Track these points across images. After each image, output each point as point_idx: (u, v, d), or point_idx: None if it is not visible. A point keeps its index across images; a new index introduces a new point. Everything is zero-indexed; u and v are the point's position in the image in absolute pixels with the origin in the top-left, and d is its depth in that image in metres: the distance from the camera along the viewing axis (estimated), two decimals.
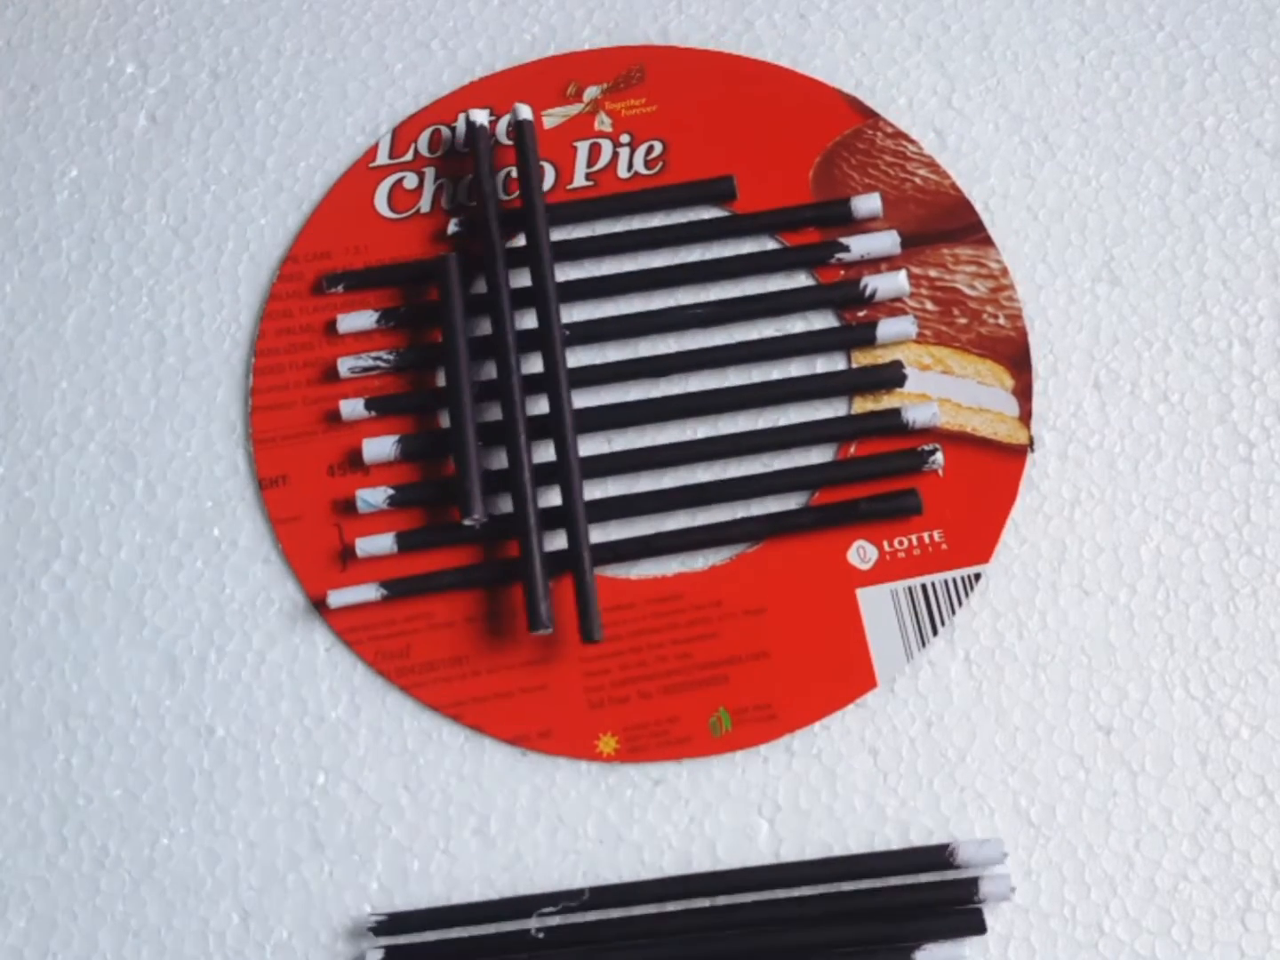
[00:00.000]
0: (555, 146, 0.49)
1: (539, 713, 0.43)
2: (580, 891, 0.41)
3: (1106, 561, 0.44)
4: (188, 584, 0.45)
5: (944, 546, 0.44)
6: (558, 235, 0.48)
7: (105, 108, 0.50)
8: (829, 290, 0.46)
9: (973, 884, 0.40)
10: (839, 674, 0.43)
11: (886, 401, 0.45)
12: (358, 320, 0.46)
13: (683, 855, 0.42)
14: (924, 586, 0.43)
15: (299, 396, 0.46)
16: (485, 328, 0.46)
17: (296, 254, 0.48)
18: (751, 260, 0.47)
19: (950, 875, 0.40)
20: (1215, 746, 0.42)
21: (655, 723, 0.42)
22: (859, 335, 0.46)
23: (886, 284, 0.46)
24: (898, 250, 0.46)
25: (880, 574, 0.44)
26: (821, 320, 0.46)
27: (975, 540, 0.44)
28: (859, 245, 0.46)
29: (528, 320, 0.46)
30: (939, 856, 0.40)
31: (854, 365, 0.46)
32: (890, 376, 0.45)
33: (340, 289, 0.47)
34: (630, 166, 0.48)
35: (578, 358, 0.46)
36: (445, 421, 0.46)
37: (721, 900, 0.41)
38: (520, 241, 0.47)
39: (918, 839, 0.41)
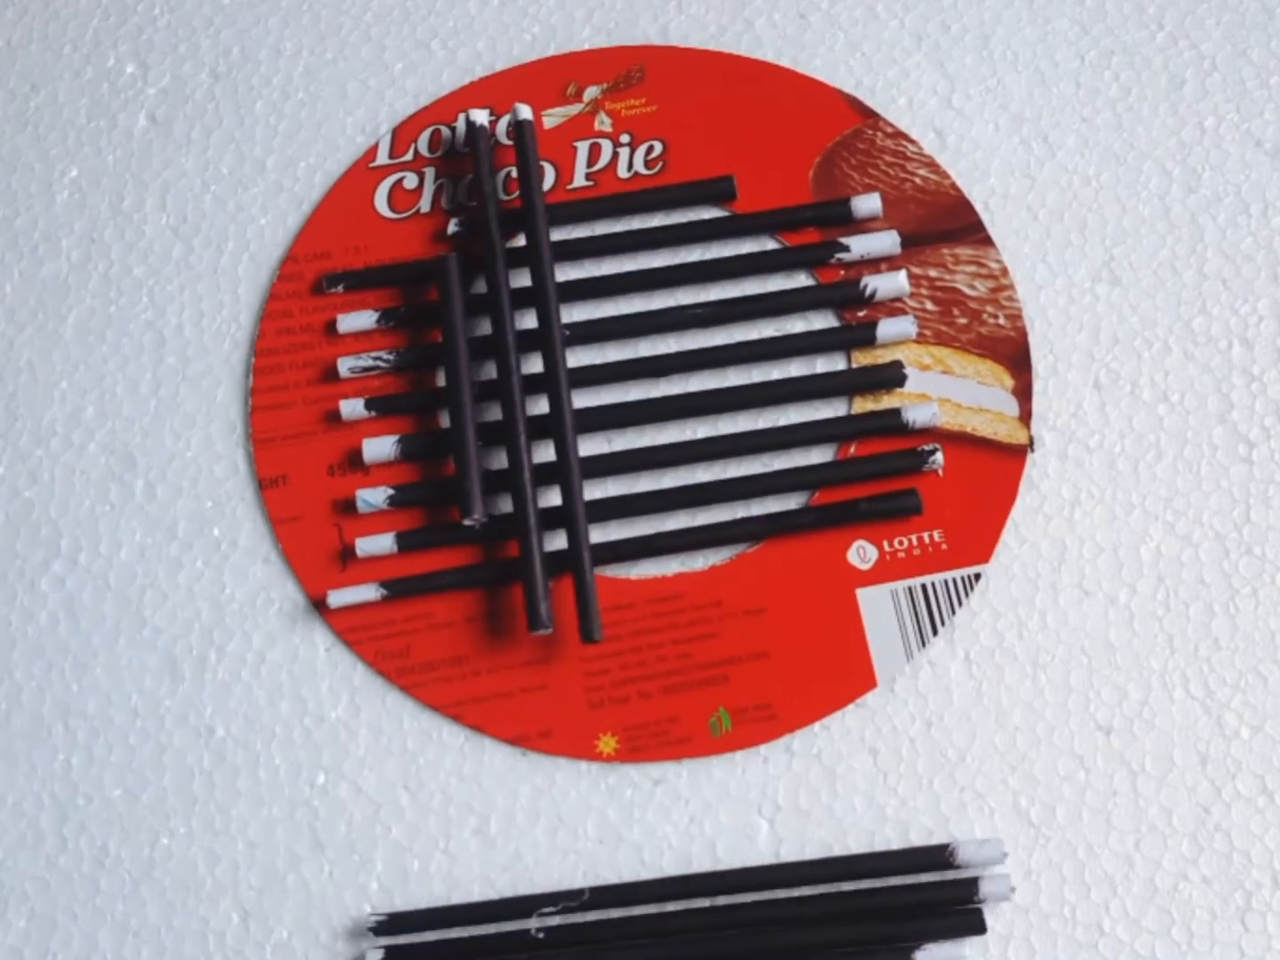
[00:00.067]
0: (555, 146, 0.49)
1: (539, 713, 0.43)
2: (580, 891, 0.41)
3: (1106, 561, 0.44)
4: (188, 584, 0.45)
5: (944, 546, 0.44)
6: (558, 235, 0.48)
7: (105, 108, 0.50)
8: (829, 290, 0.46)
9: (973, 884, 0.40)
10: (839, 674, 0.43)
11: (886, 401, 0.45)
12: (358, 320, 0.46)
13: (683, 855, 0.42)
14: (924, 586, 0.43)
15: (299, 396, 0.46)
16: (485, 328, 0.46)
17: (296, 254, 0.48)
18: (751, 260, 0.47)
19: (950, 875, 0.40)
20: (1215, 746, 0.42)
21: (655, 723, 0.42)
22: (859, 335, 0.46)
23: (886, 284, 0.46)
24: (898, 250, 0.46)
25: (880, 574, 0.44)
26: (821, 320, 0.46)
27: (975, 540, 0.44)
28: (859, 245, 0.46)
29: (528, 320, 0.46)
30: (939, 856, 0.40)
31: (854, 365, 0.46)
32: (890, 376, 0.45)
33: (340, 289, 0.47)
34: (630, 166, 0.48)
35: (578, 358, 0.46)
36: (445, 421, 0.46)
37: (721, 900, 0.41)
38: (520, 241, 0.47)
39: (918, 839, 0.41)
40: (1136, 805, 0.41)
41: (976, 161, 0.48)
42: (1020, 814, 0.41)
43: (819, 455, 0.45)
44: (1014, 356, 0.46)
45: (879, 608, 0.43)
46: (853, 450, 0.45)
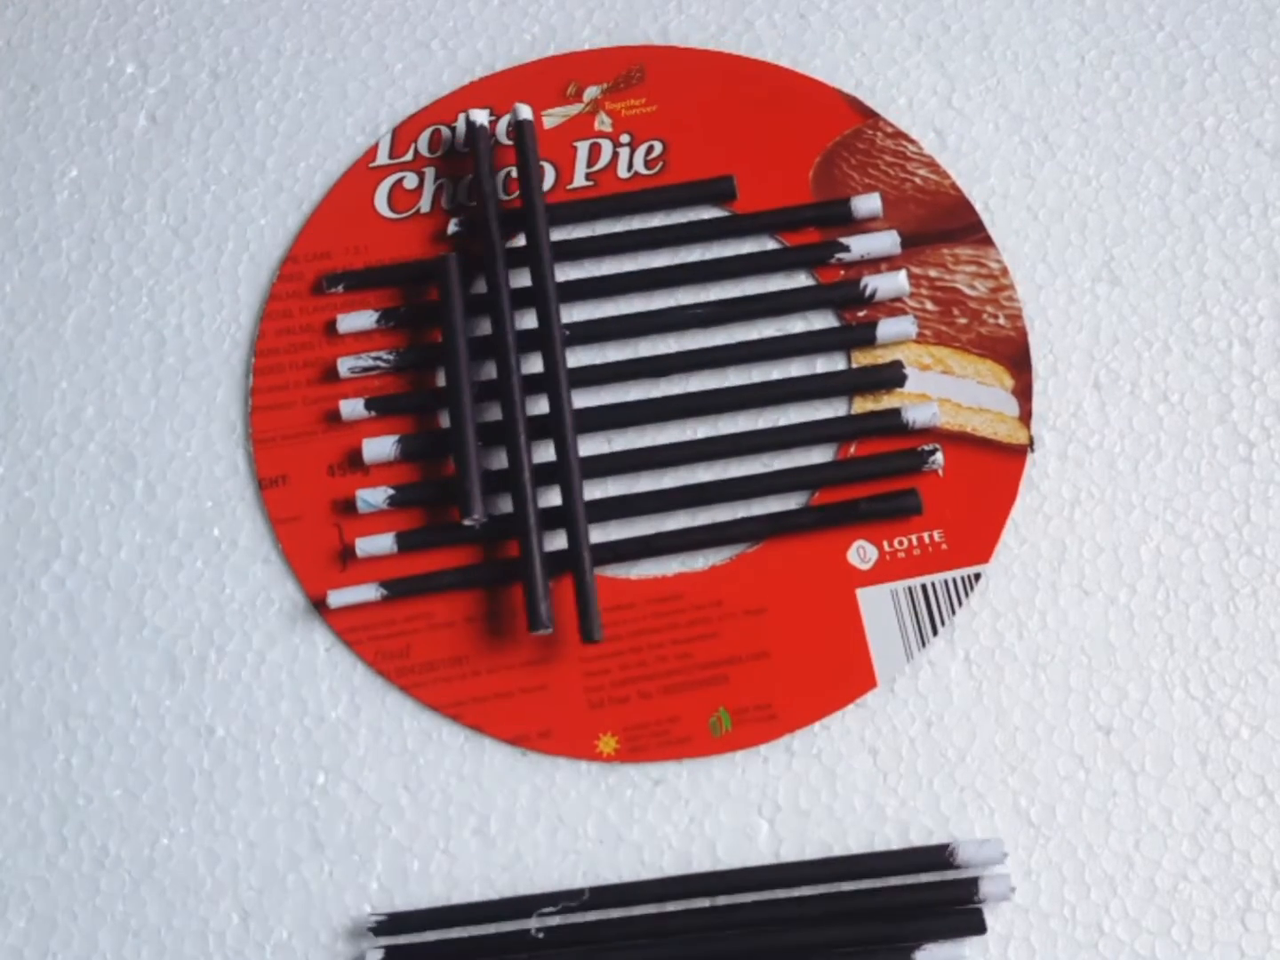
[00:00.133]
0: (555, 146, 0.49)
1: (539, 713, 0.43)
2: (580, 891, 0.41)
3: (1106, 561, 0.44)
4: (188, 584, 0.45)
5: (944, 546, 0.44)
6: (558, 235, 0.48)
7: (105, 108, 0.50)
8: (829, 290, 0.46)
9: (973, 884, 0.40)
10: (839, 674, 0.43)
11: (886, 401, 0.45)
12: (358, 320, 0.46)
13: (683, 855, 0.42)
14: (924, 586, 0.43)
15: (299, 396, 0.46)
16: (485, 328, 0.46)
17: (296, 254, 0.48)
18: (751, 260, 0.47)
19: (950, 875, 0.40)
20: (1215, 746, 0.42)
21: (655, 723, 0.42)
22: (859, 335, 0.46)
23: (886, 284, 0.46)
24: (898, 250, 0.46)
25: (880, 574, 0.44)
26: (821, 320, 0.46)
27: (975, 540, 0.44)
28: (859, 245, 0.46)
29: (528, 320, 0.46)
30: (939, 856, 0.40)
31: (854, 365, 0.46)
32: (890, 376, 0.45)
33: (340, 289, 0.47)
34: (630, 166, 0.48)
35: (578, 358, 0.46)
36: (445, 421, 0.46)
37: (721, 900, 0.41)
38: (520, 241, 0.47)
39: (917, 839, 0.41)
40: (1136, 805, 0.41)
41: (976, 161, 0.48)
42: (1020, 814, 0.41)
43: (819, 455, 0.45)
44: (1014, 356, 0.46)
45: (879, 608, 0.43)
46: (853, 450, 0.45)
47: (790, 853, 0.41)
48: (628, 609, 0.44)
